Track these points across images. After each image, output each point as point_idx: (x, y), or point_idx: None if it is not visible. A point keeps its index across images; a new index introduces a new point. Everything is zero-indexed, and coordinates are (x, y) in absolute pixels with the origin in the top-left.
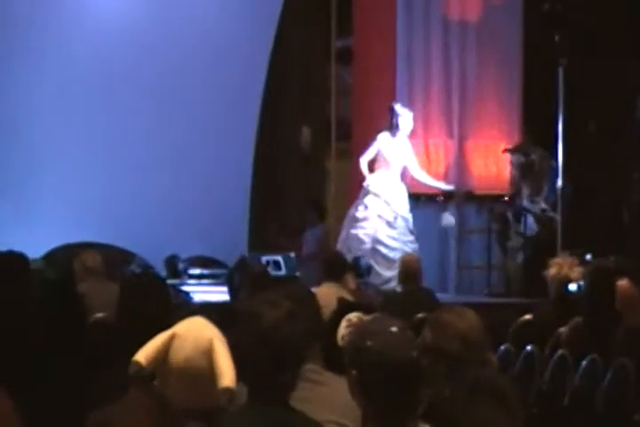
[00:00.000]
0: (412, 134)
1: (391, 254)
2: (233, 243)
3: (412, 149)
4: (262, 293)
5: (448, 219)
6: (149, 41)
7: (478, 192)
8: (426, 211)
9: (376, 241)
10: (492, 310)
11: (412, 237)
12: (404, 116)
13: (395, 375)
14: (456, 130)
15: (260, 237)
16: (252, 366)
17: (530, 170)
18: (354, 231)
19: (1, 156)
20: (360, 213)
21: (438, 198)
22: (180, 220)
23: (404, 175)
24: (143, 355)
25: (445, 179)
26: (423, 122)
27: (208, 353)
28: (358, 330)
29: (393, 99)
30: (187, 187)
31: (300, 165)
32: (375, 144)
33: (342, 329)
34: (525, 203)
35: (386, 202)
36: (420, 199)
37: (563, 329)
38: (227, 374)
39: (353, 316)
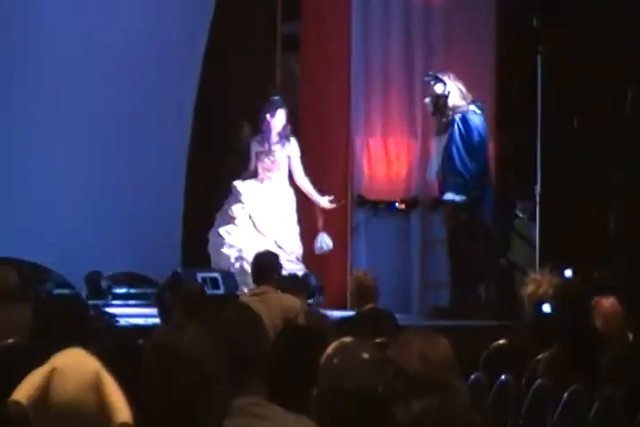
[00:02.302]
0: (370, 133)
1: None
2: (164, 257)
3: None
4: (198, 315)
5: (324, 242)
6: (78, 50)
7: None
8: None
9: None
10: (461, 334)
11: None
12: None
13: (352, 401)
14: (419, 129)
15: (196, 251)
16: None
17: (445, 100)
18: None
19: None
20: None
21: (399, 206)
22: (103, 230)
23: None
24: (22, 394)
25: (407, 183)
26: (382, 119)
27: (96, 388)
28: (336, 348)
29: (347, 94)
30: (111, 193)
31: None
32: None
33: (329, 350)
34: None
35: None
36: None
37: (541, 356)
38: (122, 408)
39: (347, 339)
